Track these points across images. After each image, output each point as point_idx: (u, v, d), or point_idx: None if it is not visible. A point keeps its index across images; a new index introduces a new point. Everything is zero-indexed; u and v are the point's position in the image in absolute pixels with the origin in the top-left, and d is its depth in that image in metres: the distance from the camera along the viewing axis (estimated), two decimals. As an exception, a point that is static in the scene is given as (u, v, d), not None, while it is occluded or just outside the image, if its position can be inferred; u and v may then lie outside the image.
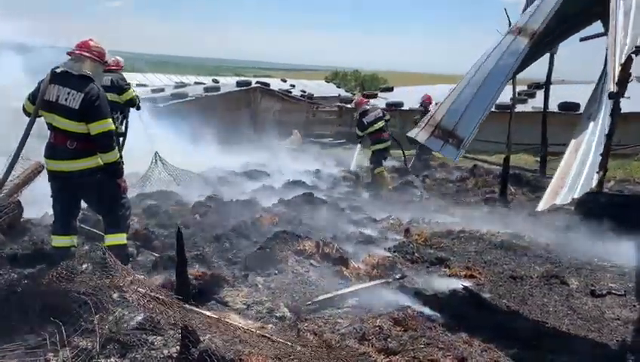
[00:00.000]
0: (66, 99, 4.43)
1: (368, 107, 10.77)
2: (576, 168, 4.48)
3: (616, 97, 4.43)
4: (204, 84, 22.82)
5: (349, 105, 18.57)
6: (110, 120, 4.59)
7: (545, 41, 7.33)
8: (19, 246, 5.10)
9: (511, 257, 6.14)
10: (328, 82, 37.60)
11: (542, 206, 4.71)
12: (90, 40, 4.74)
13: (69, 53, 4.61)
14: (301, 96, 22.18)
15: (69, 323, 3.81)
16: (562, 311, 4.75)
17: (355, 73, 60.18)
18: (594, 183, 4.15)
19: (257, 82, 21.23)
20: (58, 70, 4.57)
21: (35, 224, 5.87)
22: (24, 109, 4.62)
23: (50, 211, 6.37)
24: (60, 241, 4.77)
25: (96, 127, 4.48)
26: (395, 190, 10.21)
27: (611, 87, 4.48)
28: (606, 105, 4.57)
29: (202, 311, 3.72)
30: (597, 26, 7.69)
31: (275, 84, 25.16)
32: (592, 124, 4.83)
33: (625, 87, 4.63)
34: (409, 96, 19.90)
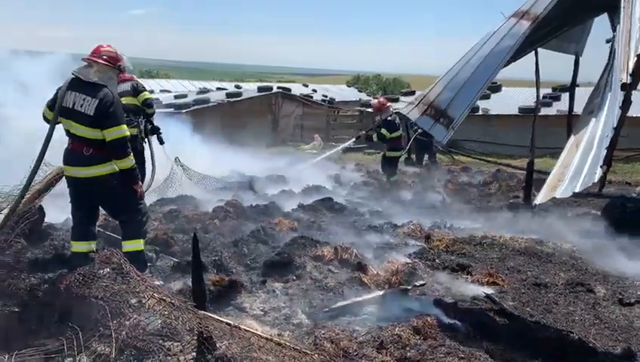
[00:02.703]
0: (81, 106, 4.45)
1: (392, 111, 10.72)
2: (578, 163, 4.38)
3: (629, 89, 4.28)
4: (226, 89, 23.02)
5: (369, 110, 18.49)
6: (125, 126, 4.59)
7: (547, 29, 7.16)
8: (40, 250, 5.15)
9: (535, 264, 5.98)
10: (350, 86, 37.57)
11: (540, 199, 4.65)
12: (102, 46, 4.76)
13: (83, 60, 4.64)
14: (322, 100, 22.19)
15: (87, 329, 3.83)
16: (588, 321, 4.60)
17: (376, 77, 60.09)
18: (596, 177, 4.04)
19: (279, 87, 21.33)
20: (74, 76, 4.60)
21: (57, 228, 5.92)
22: (44, 116, 4.67)
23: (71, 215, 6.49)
24: (78, 247, 4.80)
25: (111, 134, 4.48)
26: (416, 195, 10.08)
27: (624, 77, 4.32)
28: (613, 98, 4.44)
29: (218, 318, 3.68)
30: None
31: (297, 89, 25.27)
32: (593, 119, 4.71)
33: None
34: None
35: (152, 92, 21.14)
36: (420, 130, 13.28)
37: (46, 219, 5.81)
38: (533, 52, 9.59)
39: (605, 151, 4.11)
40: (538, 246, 6.56)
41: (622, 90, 4.21)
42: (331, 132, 19.62)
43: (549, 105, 18.21)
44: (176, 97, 20.13)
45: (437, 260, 5.75)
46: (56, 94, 4.59)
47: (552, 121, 15.81)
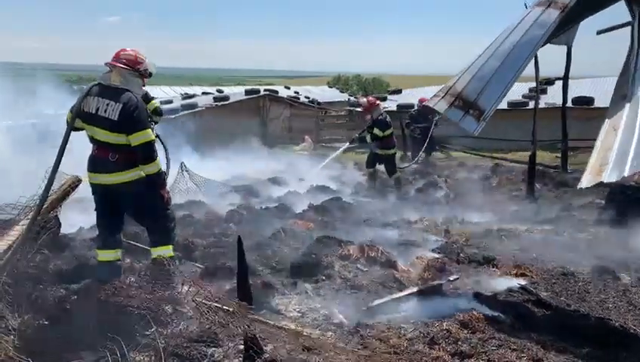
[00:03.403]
0: (105, 111, 4.32)
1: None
2: (620, 146, 4.39)
3: None
4: (212, 94, 22.81)
5: (358, 109, 18.49)
6: (150, 130, 4.48)
7: (571, 16, 7.21)
8: (62, 261, 5.00)
9: (555, 254, 6.01)
10: (331, 87, 37.61)
11: (585, 183, 4.62)
12: (123, 50, 4.64)
13: (106, 64, 4.52)
14: (310, 102, 22.14)
15: (124, 339, 3.72)
16: (623, 307, 4.63)
17: (356, 77, 60.27)
18: None
19: (266, 90, 21.20)
20: (97, 82, 4.48)
21: (72, 238, 5.77)
22: (67, 121, 4.53)
23: (84, 225, 6.33)
24: (105, 256, 4.66)
25: (136, 138, 4.37)
26: (419, 191, 10.10)
27: None
28: None
29: (268, 321, 3.61)
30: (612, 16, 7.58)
31: (280, 91, 25.16)
32: (628, 104, 4.75)
33: None
34: (418, 98, 19.82)
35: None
36: (435, 125, 13.49)
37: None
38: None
39: None
40: (555, 237, 6.60)
41: None
42: (320, 133, 19.56)
43: (535, 98, 18.42)
44: (162, 103, 19.84)
45: (461, 254, 5.74)
46: (78, 99, 4.47)
47: (539, 114, 16.01)
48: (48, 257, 4.87)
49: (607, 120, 4.78)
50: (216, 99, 19.56)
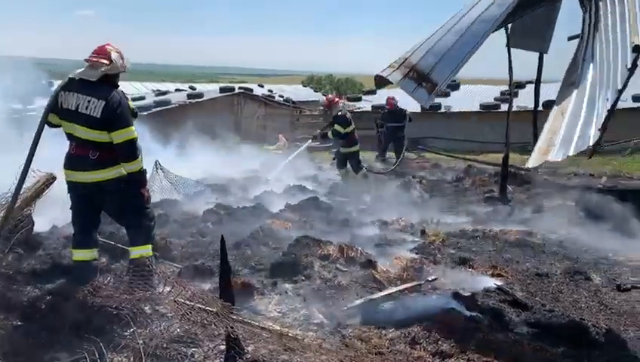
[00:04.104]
0: (86, 108, 4.22)
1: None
2: (566, 128, 4.56)
3: None
4: (185, 90, 22.57)
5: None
6: (133, 128, 4.40)
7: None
8: (35, 260, 4.87)
9: (529, 254, 6.16)
10: (305, 86, 37.62)
11: (532, 163, 4.79)
12: (108, 45, 4.54)
13: (86, 60, 4.40)
14: (284, 101, 22.12)
15: (102, 339, 3.66)
16: (595, 307, 4.76)
17: (329, 77, 60.46)
18: (591, 140, 4.23)
19: (240, 88, 21.09)
20: (75, 77, 4.36)
21: (45, 237, 5.63)
22: (48, 121, 4.41)
23: (57, 223, 6.18)
24: (80, 255, 4.55)
25: (119, 136, 4.28)
26: (394, 192, 10.17)
27: (635, 40, 4.50)
28: (602, 66, 4.69)
29: (249, 321, 3.59)
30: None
31: (255, 89, 25.06)
32: (575, 90, 4.93)
33: None
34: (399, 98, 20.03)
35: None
36: (408, 122, 13.64)
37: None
38: (496, 50, 9.91)
39: (606, 113, 4.31)
40: (528, 238, 6.75)
41: (634, 52, 4.37)
42: (295, 132, 19.57)
43: (507, 101, 18.79)
44: (134, 100, 19.54)
45: (438, 255, 5.82)
46: (53, 95, 4.35)
47: (511, 117, 16.34)
48: (21, 256, 4.73)
49: (555, 105, 4.97)
50: (189, 96, 19.38)
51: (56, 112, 4.30)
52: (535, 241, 6.66)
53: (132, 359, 3.60)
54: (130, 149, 4.37)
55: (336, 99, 11.01)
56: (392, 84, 5.62)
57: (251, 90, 21.71)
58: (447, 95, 20.35)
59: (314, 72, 62.29)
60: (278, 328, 3.61)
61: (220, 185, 9.61)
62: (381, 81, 5.79)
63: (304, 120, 20.79)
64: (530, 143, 12.13)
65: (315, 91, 34.85)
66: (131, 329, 3.81)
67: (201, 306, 3.39)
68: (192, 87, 26.40)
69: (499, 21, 5.73)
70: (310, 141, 12.42)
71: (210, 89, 23.84)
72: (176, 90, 24.55)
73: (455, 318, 4.07)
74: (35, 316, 4.07)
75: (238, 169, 11.85)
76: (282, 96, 24.39)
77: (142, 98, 20.36)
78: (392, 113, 13.97)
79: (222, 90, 20.15)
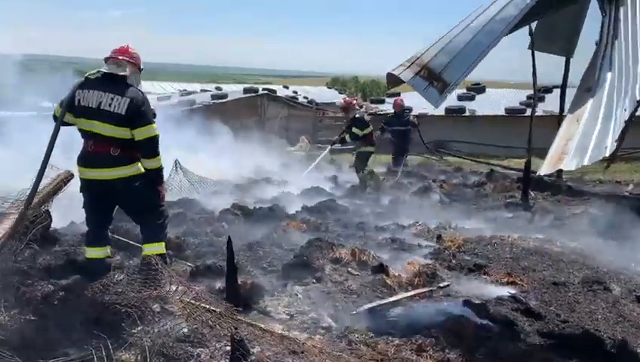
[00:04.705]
0: (109, 105, 4.28)
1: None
2: (581, 136, 4.43)
3: None
4: (210, 91, 22.80)
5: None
6: (155, 125, 4.47)
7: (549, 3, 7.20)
8: (51, 256, 4.96)
9: (547, 263, 6.01)
10: (329, 88, 37.62)
11: (544, 170, 4.67)
12: (128, 46, 4.61)
13: (107, 59, 4.47)
14: (308, 102, 22.15)
15: (110, 336, 3.70)
16: (612, 319, 4.62)
17: (354, 79, 60.38)
18: (607, 151, 4.10)
19: (264, 89, 21.20)
20: (94, 76, 4.43)
21: (63, 233, 5.73)
22: (54, 116, 4.49)
23: (76, 220, 6.28)
24: (94, 253, 4.63)
25: (142, 133, 4.35)
26: (414, 195, 10.09)
27: None
28: (620, 73, 4.54)
29: (257, 323, 3.59)
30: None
31: (278, 91, 25.16)
32: (591, 98, 4.79)
33: None
34: (416, 101, 19.84)
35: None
36: (412, 128, 13.29)
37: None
38: (523, 53, 9.74)
39: (624, 123, 4.18)
40: (547, 246, 6.60)
41: None
42: (317, 133, 19.58)
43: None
44: (159, 99, 19.83)
45: (453, 261, 5.73)
46: (69, 94, 4.40)
47: (536, 122, 16.04)
48: (37, 252, 4.82)
49: (569, 112, 4.84)
50: (214, 96, 19.57)
51: (72, 111, 4.36)
52: (554, 249, 6.51)
53: (139, 357, 3.64)
54: (151, 146, 4.45)
55: (354, 102, 10.99)
56: (404, 82, 5.56)
57: (275, 91, 21.79)
58: (472, 98, 20.13)
59: (339, 74, 62.22)
60: (278, 331, 3.61)
61: (239, 185, 9.67)
62: (392, 80, 5.73)
63: (327, 121, 20.78)
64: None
65: (340, 93, 34.83)
66: (139, 328, 3.85)
67: (205, 306, 3.40)
68: (217, 88, 26.65)
69: (514, 21, 5.62)
70: (328, 148, 12.41)
71: (235, 90, 24.04)
72: (202, 90, 24.81)
73: (464, 326, 3.99)
74: (47, 311, 4.14)
75: (258, 169, 11.92)
76: (306, 98, 24.43)
77: (168, 97, 20.67)
78: (399, 116, 13.26)
79: (245, 90, 20.30)
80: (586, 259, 6.24)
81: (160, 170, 4.52)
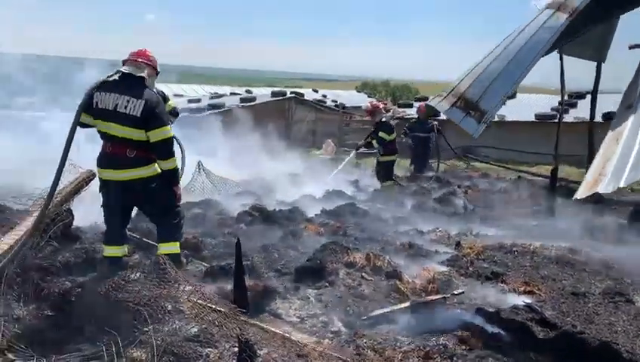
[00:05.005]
0: (125, 107, 4.38)
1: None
2: (619, 158, 4.28)
3: None
4: (240, 94, 23.04)
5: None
6: (169, 127, 4.56)
7: (583, 21, 7.04)
8: (71, 254, 5.08)
9: (569, 272, 5.87)
10: (359, 92, 37.57)
11: (580, 194, 4.52)
12: (146, 50, 4.72)
13: (125, 62, 4.58)
14: (334, 106, 22.16)
15: (123, 334, 3.77)
16: (632, 332, 4.48)
17: (385, 83, 60.10)
18: None
19: (292, 92, 21.31)
20: (111, 78, 4.53)
21: (85, 231, 5.87)
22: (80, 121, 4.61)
23: (98, 219, 6.43)
24: (111, 251, 4.74)
25: (156, 134, 4.45)
26: (437, 201, 9.98)
27: None
28: None
29: (261, 324, 3.61)
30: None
31: (307, 94, 25.26)
32: (633, 115, 4.63)
33: None
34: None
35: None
36: (437, 135, 13.09)
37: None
38: (558, 57, 9.53)
39: None
40: (570, 255, 6.44)
41: None
42: (344, 137, 19.55)
43: (565, 111, 18.07)
44: (189, 102, 20.15)
45: (470, 268, 5.65)
46: (86, 96, 4.50)
47: (568, 128, 15.67)
48: (57, 249, 4.95)
49: (610, 131, 4.67)
50: (242, 100, 19.75)
51: (90, 113, 4.47)
52: (577, 259, 6.34)
53: (149, 355, 3.70)
54: (165, 148, 4.54)
55: (380, 106, 10.92)
56: (440, 113, 5.55)
57: (302, 94, 21.88)
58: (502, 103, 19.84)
59: (370, 77, 62.03)
60: (281, 332, 3.61)
61: (261, 187, 9.73)
62: (430, 110, 5.77)
63: (355, 125, 20.74)
64: (586, 156, 11.69)
65: (369, 96, 34.75)
66: (150, 326, 3.91)
67: (211, 306, 3.43)
68: (248, 91, 26.91)
69: (547, 46, 5.54)
70: (354, 152, 12.36)
71: (264, 93, 24.23)
72: (231, 93, 25.08)
73: (475, 334, 3.93)
74: (64, 307, 4.25)
75: (283, 172, 11.95)
76: (335, 101, 24.48)
77: (198, 100, 20.97)
78: (422, 123, 12.99)
79: (273, 94, 20.44)
80: (610, 270, 6.06)
81: (175, 170, 4.61)
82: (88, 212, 6.39)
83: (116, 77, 4.49)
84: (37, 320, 4.11)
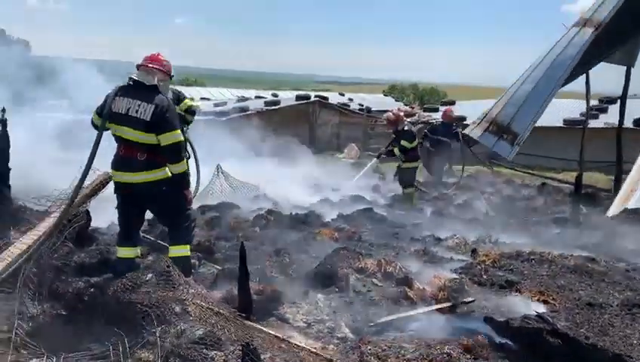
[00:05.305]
0: (136, 111, 4.48)
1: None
2: None
3: None
4: (265, 98, 23.18)
5: (408, 120, 18.27)
6: (179, 131, 4.63)
7: (612, 37, 6.90)
8: (86, 254, 5.20)
9: (587, 283, 5.72)
10: (386, 95, 37.35)
11: (613, 211, 4.46)
12: (159, 54, 4.80)
13: (138, 66, 4.67)
14: (359, 109, 22.09)
15: (132, 334, 3.83)
16: (648, 345, 4.35)
17: (413, 86, 59.66)
18: None
19: (316, 96, 21.35)
20: (126, 83, 4.64)
21: (102, 233, 6.00)
22: (92, 122, 4.73)
23: (116, 221, 6.56)
24: (124, 252, 4.83)
25: (166, 138, 4.52)
26: (458, 207, 9.87)
27: None
28: None
29: (264, 329, 3.63)
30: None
31: (333, 97, 25.26)
32: None
33: None
34: (471, 110, 19.40)
35: (192, 99, 21.54)
36: (459, 141, 12.86)
37: (92, 224, 5.89)
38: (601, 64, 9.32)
39: None
40: (589, 264, 6.28)
41: None
42: (369, 141, 19.49)
43: (595, 117, 17.66)
44: (215, 105, 20.39)
45: (484, 276, 5.56)
46: (104, 101, 4.64)
47: (598, 134, 15.28)
48: (73, 250, 5.07)
49: None
50: (267, 103, 19.87)
51: (106, 117, 4.58)
52: (597, 268, 6.17)
53: (157, 357, 3.76)
54: (175, 151, 4.61)
55: (401, 114, 10.87)
56: (466, 118, 5.62)
57: (326, 98, 21.88)
58: (529, 108, 19.52)
59: (398, 81, 61.68)
60: (291, 340, 3.63)
61: (280, 191, 9.77)
62: (466, 138, 5.85)
63: (379, 129, 20.64)
64: (615, 163, 11.39)
65: (396, 100, 34.53)
66: (159, 328, 3.97)
67: (213, 309, 3.47)
68: (274, 95, 27.05)
69: (574, 63, 5.50)
70: (375, 160, 12.33)
71: (290, 96, 24.33)
72: (256, 96, 25.26)
73: (481, 343, 3.87)
74: (77, 307, 4.35)
75: (304, 176, 11.98)
76: (362, 105, 24.38)
77: (224, 103, 21.20)
78: (447, 126, 12.71)
79: (298, 97, 20.53)
80: (631, 281, 5.89)
81: (185, 174, 4.67)
82: (108, 214, 6.54)
83: (130, 82, 4.58)
84: (50, 319, 4.21)
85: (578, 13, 7.19)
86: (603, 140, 13.02)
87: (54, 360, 3.66)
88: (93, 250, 5.31)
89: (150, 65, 4.62)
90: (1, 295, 4.48)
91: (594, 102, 19.20)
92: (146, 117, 4.46)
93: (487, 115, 5.69)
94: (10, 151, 5.99)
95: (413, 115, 19.47)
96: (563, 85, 6.03)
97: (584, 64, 6.40)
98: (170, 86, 7.59)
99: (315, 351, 3.59)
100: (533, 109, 5.28)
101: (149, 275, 4.69)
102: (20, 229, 5.26)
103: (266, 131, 15.64)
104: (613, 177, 11.95)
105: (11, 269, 4.37)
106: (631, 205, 4.03)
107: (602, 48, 6.94)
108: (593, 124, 16.97)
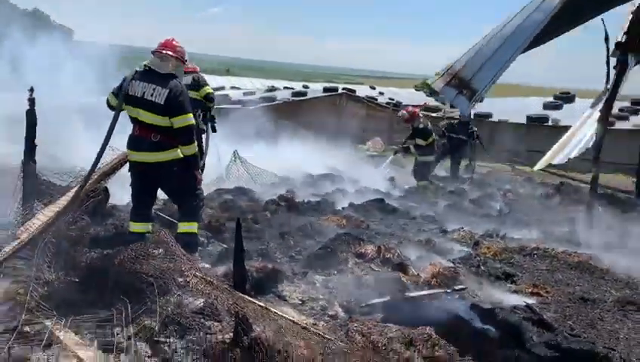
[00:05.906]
0: (151, 95, 4.77)
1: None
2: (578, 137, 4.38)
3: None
4: (294, 89, 23.43)
5: (433, 114, 18.27)
6: (191, 115, 4.92)
7: (580, 9, 6.85)
8: (102, 228, 5.53)
9: (586, 279, 5.79)
10: (418, 90, 37.10)
11: (539, 165, 4.65)
12: (173, 40, 5.07)
13: (153, 52, 4.96)
14: (387, 103, 22.12)
15: (136, 302, 4.13)
16: (634, 340, 4.42)
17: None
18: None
19: (344, 89, 21.47)
20: (142, 68, 4.93)
21: (120, 209, 6.33)
22: (108, 103, 5.04)
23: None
24: (136, 227, 5.15)
25: (179, 121, 4.81)
26: (472, 202, 9.93)
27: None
28: None
29: (252, 299, 3.85)
30: None
31: (364, 91, 25.30)
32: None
33: None
34: (498, 107, 19.27)
35: (222, 88, 21.92)
36: (473, 139, 12.86)
37: (111, 200, 6.24)
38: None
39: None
40: (592, 262, 6.33)
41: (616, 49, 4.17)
42: (394, 135, 19.52)
43: (625, 118, 17.34)
44: (244, 94, 20.74)
45: (482, 267, 5.69)
46: (122, 83, 4.94)
47: (625, 135, 15.03)
48: (90, 223, 5.40)
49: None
50: (294, 94, 20.10)
51: (122, 99, 4.89)
52: (599, 266, 6.22)
53: (158, 323, 4.05)
54: (187, 134, 4.91)
55: (417, 111, 11.04)
56: (438, 92, 5.63)
57: (354, 91, 21.98)
58: (558, 107, 19.24)
59: (429, 76, 61.01)
60: (274, 310, 3.85)
61: (297, 179, 10.01)
62: (429, 89, 5.82)
63: (403, 124, 20.65)
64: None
65: (428, 95, 34.20)
66: (161, 297, 4.26)
67: (206, 279, 3.73)
68: (305, 86, 27.25)
69: (540, 27, 5.54)
70: (392, 157, 12.51)
71: (318, 88, 24.51)
72: (285, 87, 25.52)
73: (463, 327, 4.03)
74: (89, 276, 4.68)
75: (326, 166, 12.18)
76: (392, 99, 24.37)
77: (252, 93, 21.54)
78: (464, 125, 12.67)
79: (325, 90, 20.71)
80: (632, 279, 5.93)
81: (195, 156, 4.95)
82: (127, 191, 6.90)
83: (145, 68, 4.87)
84: (64, 285, 4.54)
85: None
86: (629, 142, 12.85)
87: (63, 321, 3.98)
88: (109, 224, 5.64)
89: (164, 50, 4.90)
90: (23, 261, 4.88)
91: (626, 104, 18.80)
92: (161, 100, 4.75)
93: (450, 67, 5.69)
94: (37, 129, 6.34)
95: (439, 110, 19.43)
96: (529, 49, 6.04)
97: (545, 34, 6.41)
98: (200, 72, 7.93)
99: (300, 323, 3.80)
100: (495, 69, 5.35)
101: (160, 250, 5.04)
102: (43, 202, 5.62)
103: (290, 121, 15.92)
104: (634, 179, 11.82)
105: (31, 237, 4.72)
106: (556, 161, 4.25)
107: (573, 17, 6.92)
108: (622, 125, 16.70)
